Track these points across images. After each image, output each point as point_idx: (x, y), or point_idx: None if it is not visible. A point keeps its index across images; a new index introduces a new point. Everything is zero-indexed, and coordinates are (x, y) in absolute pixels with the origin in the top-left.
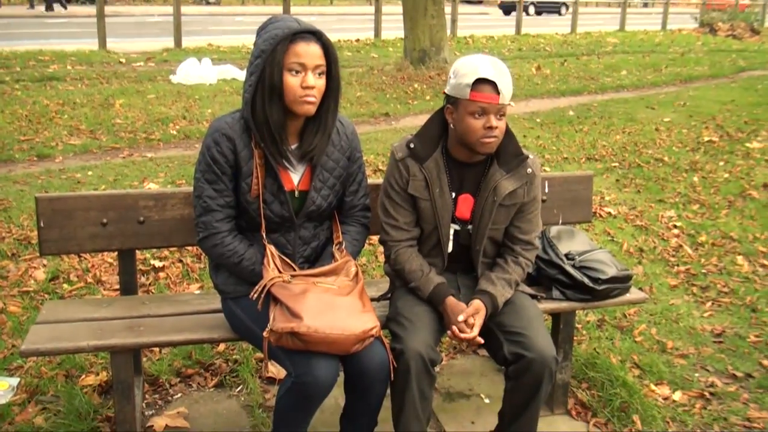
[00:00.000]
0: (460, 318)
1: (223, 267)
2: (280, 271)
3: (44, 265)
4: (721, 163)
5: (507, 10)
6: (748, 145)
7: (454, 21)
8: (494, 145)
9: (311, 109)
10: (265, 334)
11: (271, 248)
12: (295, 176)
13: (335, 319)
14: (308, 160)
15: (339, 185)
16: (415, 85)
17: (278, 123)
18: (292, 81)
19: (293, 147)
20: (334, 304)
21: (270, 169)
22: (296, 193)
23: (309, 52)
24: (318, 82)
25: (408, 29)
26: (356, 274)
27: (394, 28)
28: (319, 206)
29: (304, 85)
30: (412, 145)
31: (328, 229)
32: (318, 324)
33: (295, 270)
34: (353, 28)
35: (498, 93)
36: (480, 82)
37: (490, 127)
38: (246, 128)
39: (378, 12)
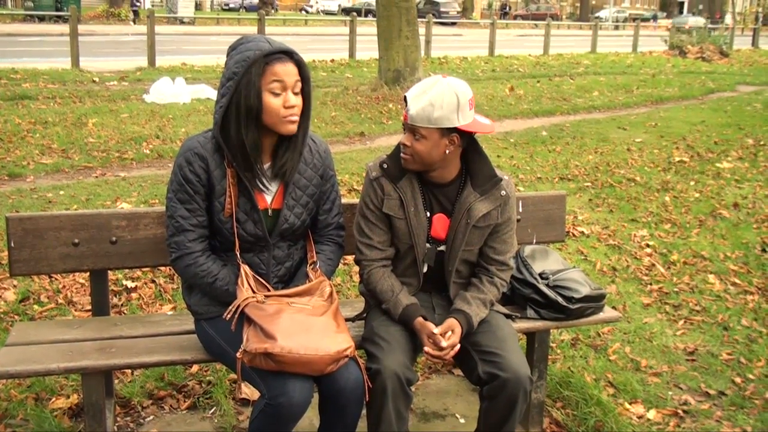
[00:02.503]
0: (436, 330)
1: (197, 287)
2: (254, 291)
3: (14, 286)
4: (692, 183)
5: None
6: (718, 165)
7: (428, 42)
8: (407, 163)
9: (294, 128)
10: (238, 354)
11: (245, 268)
12: (268, 195)
13: (309, 340)
14: (281, 178)
15: (312, 204)
16: (390, 105)
17: (253, 144)
18: (273, 102)
19: (266, 165)
20: (308, 325)
21: (243, 189)
22: (269, 211)
23: (287, 71)
24: (298, 101)
25: (383, 50)
26: (330, 294)
27: (368, 49)
28: (292, 224)
29: (286, 104)
30: (385, 165)
31: (302, 249)
32: (292, 344)
33: (269, 290)
34: (328, 48)
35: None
36: (405, 99)
37: (402, 143)
38: (218, 147)
39: (353, 32)
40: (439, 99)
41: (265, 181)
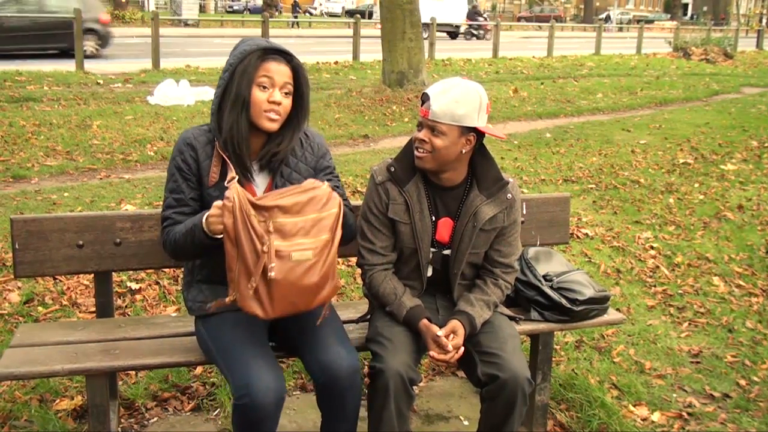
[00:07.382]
0: (439, 333)
1: (181, 254)
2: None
3: (19, 288)
4: (697, 185)
5: None
6: (722, 167)
7: (431, 44)
8: (423, 161)
9: (274, 126)
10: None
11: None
12: (258, 190)
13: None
14: (267, 167)
15: None
16: (394, 107)
17: (242, 133)
18: (259, 95)
19: (253, 161)
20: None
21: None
22: None
23: (279, 70)
24: (284, 101)
25: (386, 52)
26: (335, 221)
27: (372, 51)
28: None
29: (270, 99)
30: (392, 169)
31: None
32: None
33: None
34: (332, 50)
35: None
36: (425, 97)
37: (419, 139)
38: (210, 140)
39: (356, 35)
40: (463, 97)
41: (253, 173)
